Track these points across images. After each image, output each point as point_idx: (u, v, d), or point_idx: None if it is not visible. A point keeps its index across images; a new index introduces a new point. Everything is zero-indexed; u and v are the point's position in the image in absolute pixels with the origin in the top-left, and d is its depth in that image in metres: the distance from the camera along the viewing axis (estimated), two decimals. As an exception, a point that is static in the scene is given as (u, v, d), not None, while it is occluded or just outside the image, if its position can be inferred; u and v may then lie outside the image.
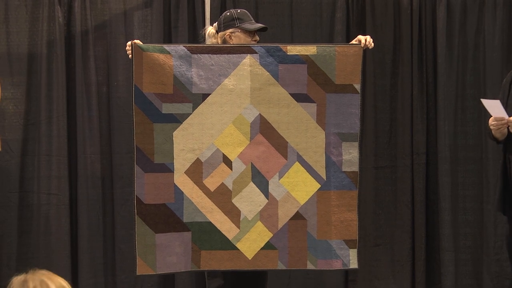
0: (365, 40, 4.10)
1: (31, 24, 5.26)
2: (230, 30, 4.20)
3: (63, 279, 2.13)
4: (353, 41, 4.18)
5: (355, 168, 4.08)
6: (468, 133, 5.50)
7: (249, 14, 4.27)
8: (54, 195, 5.20)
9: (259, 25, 4.24)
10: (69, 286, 2.13)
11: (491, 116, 4.04)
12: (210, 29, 4.32)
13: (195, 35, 5.32)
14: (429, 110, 5.49)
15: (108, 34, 5.32)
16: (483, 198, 5.46)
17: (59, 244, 5.20)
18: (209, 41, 4.28)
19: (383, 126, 5.49)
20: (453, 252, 5.46)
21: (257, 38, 4.21)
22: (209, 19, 5.27)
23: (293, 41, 5.44)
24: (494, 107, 3.95)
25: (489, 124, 4.04)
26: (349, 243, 4.10)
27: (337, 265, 4.11)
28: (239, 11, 4.30)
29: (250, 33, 4.18)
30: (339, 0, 5.42)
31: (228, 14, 4.26)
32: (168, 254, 3.99)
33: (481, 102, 4.12)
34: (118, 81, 5.25)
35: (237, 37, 4.18)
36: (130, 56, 3.98)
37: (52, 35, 5.24)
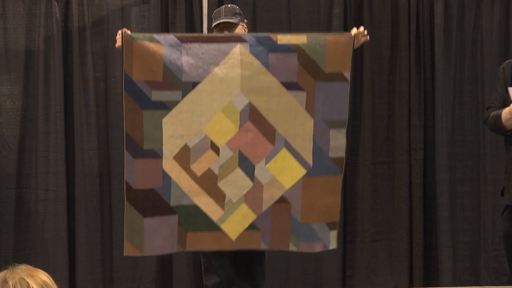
0: (359, 30, 4.07)
1: (28, 20, 5.26)
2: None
3: (44, 273, 2.07)
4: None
5: (342, 153, 4.10)
6: (466, 129, 5.50)
7: (222, 10, 4.26)
8: (51, 191, 5.20)
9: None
10: (51, 280, 2.06)
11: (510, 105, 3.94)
12: None
13: (192, 31, 5.32)
14: (426, 106, 5.49)
15: (105, 30, 5.32)
16: (481, 194, 5.47)
17: (56, 240, 5.19)
18: None
19: (380, 122, 5.49)
20: (451, 248, 5.46)
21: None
22: (206, 15, 5.27)
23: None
24: None
25: (508, 113, 3.94)
26: (331, 225, 4.13)
27: (318, 248, 4.14)
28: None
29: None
30: (337, -4, 5.43)
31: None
32: (156, 237, 4.02)
33: (507, 91, 4.04)
34: (115, 77, 5.25)
35: None
36: (117, 45, 3.99)
37: (49, 31, 5.24)
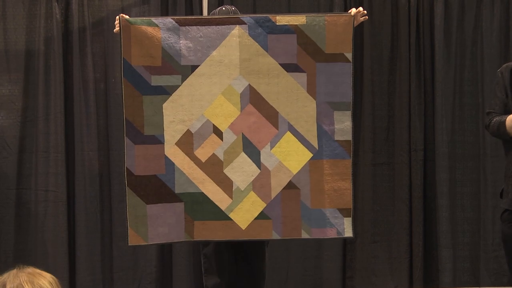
0: (358, 10, 4.07)
1: (28, 21, 5.27)
2: None
3: (47, 279, 2.04)
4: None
5: (348, 137, 4.07)
6: (466, 130, 5.50)
7: (215, 13, 4.22)
8: (51, 192, 5.21)
9: None
10: (54, 285, 2.03)
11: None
12: None
13: (192, 32, 5.32)
14: (426, 106, 5.49)
15: (105, 31, 5.32)
16: (481, 195, 5.46)
17: (56, 241, 5.20)
18: None
19: (380, 122, 5.49)
20: (451, 249, 5.46)
21: None
22: (206, 16, 5.27)
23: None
24: None
25: None
26: (343, 212, 4.08)
27: (331, 234, 4.09)
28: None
29: None
30: (337, -4, 5.44)
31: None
32: (160, 224, 3.99)
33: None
34: (115, 77, 5.25)
35: None
36: (115, 30, 3.99)
37: (49, 32, 5.24)
